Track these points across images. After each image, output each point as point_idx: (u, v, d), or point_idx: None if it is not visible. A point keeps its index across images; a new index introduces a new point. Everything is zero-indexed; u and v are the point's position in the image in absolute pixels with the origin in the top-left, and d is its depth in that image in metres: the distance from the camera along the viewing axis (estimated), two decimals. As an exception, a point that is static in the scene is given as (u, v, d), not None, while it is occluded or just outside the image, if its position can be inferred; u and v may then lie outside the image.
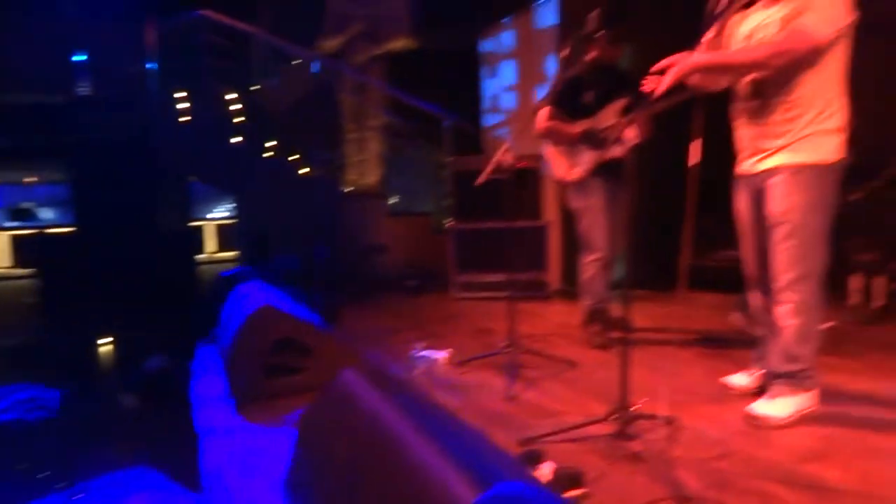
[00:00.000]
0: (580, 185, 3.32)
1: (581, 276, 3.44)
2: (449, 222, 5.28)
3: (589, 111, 3.23)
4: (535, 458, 1.74)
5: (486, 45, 6.56)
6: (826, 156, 2.11)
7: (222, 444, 2.18)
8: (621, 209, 3.29)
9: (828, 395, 2.27)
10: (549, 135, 3.35)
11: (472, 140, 6.60)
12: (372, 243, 6.02)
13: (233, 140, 6.51)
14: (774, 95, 2.15)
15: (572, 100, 3.26)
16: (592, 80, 3.24)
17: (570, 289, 4.76)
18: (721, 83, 2.34)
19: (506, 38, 6.21)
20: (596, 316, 3.37)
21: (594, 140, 3.21)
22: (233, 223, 9.68)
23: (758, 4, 2.25)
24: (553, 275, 4.97)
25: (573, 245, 4.82)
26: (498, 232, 4.71)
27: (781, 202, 2.15)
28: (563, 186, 3.61)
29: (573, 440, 2.03)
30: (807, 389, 2.21)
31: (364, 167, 7.28)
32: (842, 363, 2.82)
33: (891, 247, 3.76)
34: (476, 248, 4.99)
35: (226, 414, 2.49)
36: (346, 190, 6.83)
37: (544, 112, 3.29)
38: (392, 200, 6.87)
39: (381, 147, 7.67)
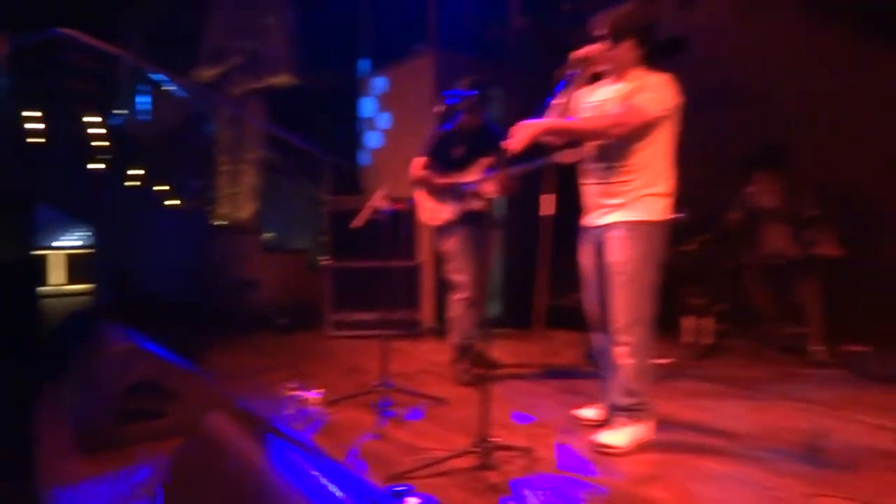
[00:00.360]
0: (445, 229, 3.53)
1: (448, 314, 3.62)
2: (325, 260, 5.28)
3: (459, 165, 3.48)
4: (402, 494, 1.82)
5: (366, 88, 6.73)
6: (656, 215, 2.43)
7: (70, 500, 2.03)
8: (484, 253, 3.54)
9: (663, 424, 2.57)
10: (421, 183, 3.55)
11: (351, 178, 6.68)
12: (243, 279, 5.85)
13: (92, 165, 6.09)
14: (615, 161, 2.46)
15: (444, 153, 3.50)
16: (462, 137, 3.50)
17: (441, 327, 4.93)
18: (574, 157, 2.64)
19: (384, 83, 6.42)
20: (463, 353, 3.54)
21: (456, 193, 3.46)
22: (86, 253, 8.94)
23: (604, 80, 2.58)
24: (426, 313, 5.12)
25: (445, 284, 5.01)
26: (373, 271, 4.80)
27: (618, 254, 2.44)
28: (432, 230, 3.79)
29: (439, 474, 2.13)
30: (643, 420, 2.48)
31: (237, 200, 7.10)
32: (675, 395, 3.18)
33: (717, 292, 4.32)
34: (351, 286, 5.03)
35: (74, 466, 2.31)
36: (218, 223, 6.60)
37: (418, 161, 3.50)
38: (267, 236, 6.73)
39: (256, 181, 7.51)
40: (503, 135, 2.45)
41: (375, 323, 4.83)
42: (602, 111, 2.49)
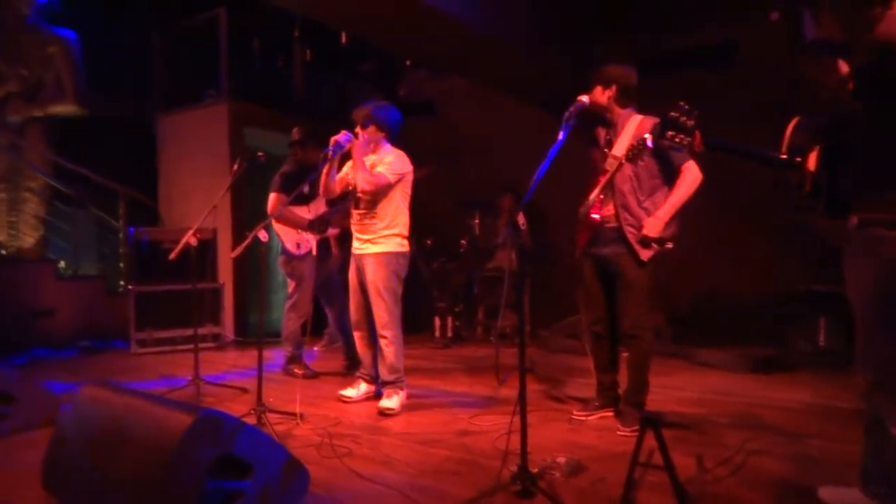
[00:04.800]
0: (303, 256, 4.41)
1: (288, 329, 4.45)
2: (127, 284, 5.76)
3: (306, 199, 4.37)
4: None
5: (165, 123, 7.24)
6: (393, 248, 3.62)
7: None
8: (327, 274, 4.56)
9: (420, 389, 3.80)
10: (280, 218, 4.31)
11: (148, 209, 7.12)
12: (36, 308, 6.00)
13: None
14: (368, 209, 3.64)
15: (294, 190, 4.13)
16: (306, 175, 4.20)
17: (241, 339, 5.78)
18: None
19: (179, 123, 7.02)
20: (294, 359, 4.45)
21: (319, 225, 4.38)
22: None
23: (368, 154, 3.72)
24: (227, 328, 5.89)
25: (244, 302, 5.88)
26: (176, 293, 5.46)
27: (373, 274, 3.61)
28: (289, 257, 4.48)
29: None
30: (403, 389, 3.62)
31: (18, 228, 7.10)
32: (422, 372, 4.49)
33: (455, 297, 5.81)
34: (155, 306, 5.58)
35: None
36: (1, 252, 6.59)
37: (274, 198, 4.32)
38: (60, 264, 6.83)
39: (40, 209, 7.52)
40: None
41: (180, 339, 5.50)
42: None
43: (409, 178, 3.70)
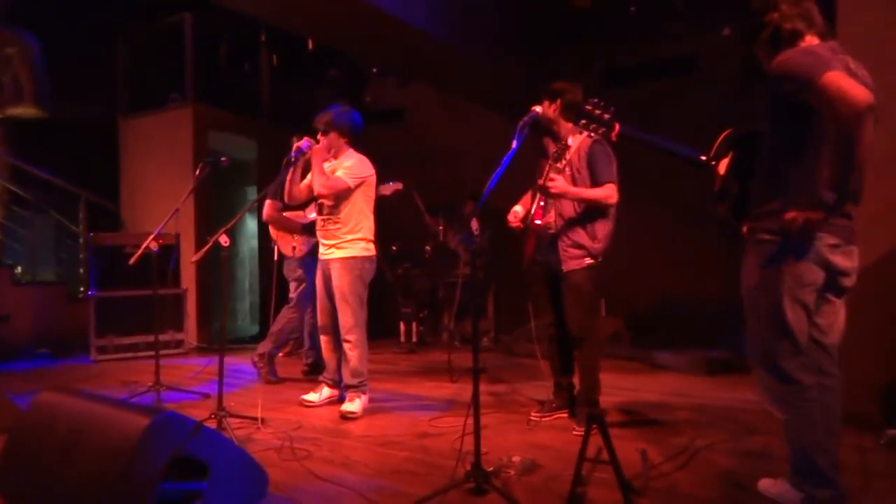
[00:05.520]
0: (299, 259, 4.40)
1: (279, 326, 4.44)
2: (87, 291, 5.66)
3: (304, 203, 4.23)
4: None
5: (128, 127, 7.15)
6: (358, 253, 3.64)
7: None
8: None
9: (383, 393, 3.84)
10: (274, 222, 4.38)
11: (110, 213, 7.01)
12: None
13: None
14: (331, 214, 3.67)
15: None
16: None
17: (205, 345, 5.72)
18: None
19: (143, 127, 6.95)
20: (270, 357, 4.42)
21: (311, 229, 4.32)
22: None
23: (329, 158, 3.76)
24: (190, 334, 5.84)
25: (207, 308, 5.84)
26: (138, 298, 5.39)
27: (338, 279, 3.63)
28: (284, 260, 4.51)
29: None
30: (365, 392, 3.65)
31: (-27, 232, 6.93)
32: (387, 376, 4.52)
33: (419, 304, 5.86)
34: (116, 313, 5.50)
35: None
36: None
37: (268, 205, 4.34)
38: (17, 270, 6.68)
39: (-5, 213, 7.34)
40: None
41: (142, 345, 5.43)
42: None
43: (372, 182, 3.73)
